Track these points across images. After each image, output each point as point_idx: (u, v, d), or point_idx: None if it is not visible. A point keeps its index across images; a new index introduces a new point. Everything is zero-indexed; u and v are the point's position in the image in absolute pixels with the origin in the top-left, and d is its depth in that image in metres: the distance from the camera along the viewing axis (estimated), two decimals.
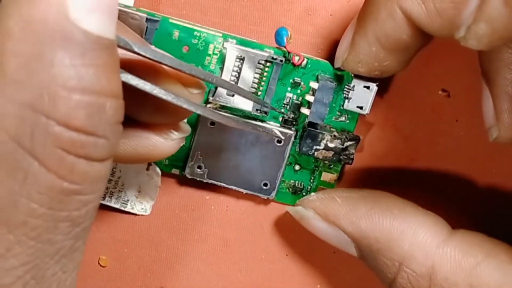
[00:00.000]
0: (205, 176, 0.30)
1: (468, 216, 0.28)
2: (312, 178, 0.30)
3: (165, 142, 0.24)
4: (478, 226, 0.26)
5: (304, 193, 0.31)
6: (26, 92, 0.16)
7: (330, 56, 0.29)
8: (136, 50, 0.19)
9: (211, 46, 0.29)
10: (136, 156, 0.24)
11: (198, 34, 0.28)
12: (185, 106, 0.21)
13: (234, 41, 0.28)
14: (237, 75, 0.28)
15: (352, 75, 0.28)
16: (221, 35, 0.28)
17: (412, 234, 0.25)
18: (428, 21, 0.23)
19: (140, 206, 0.31)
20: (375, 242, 0.26)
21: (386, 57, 0.25)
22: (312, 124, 0.29)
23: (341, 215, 0.26)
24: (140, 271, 0.31)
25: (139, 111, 0.23)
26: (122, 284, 0.31)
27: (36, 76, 0.16)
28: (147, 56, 0.20)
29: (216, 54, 0.29)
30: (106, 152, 0.17)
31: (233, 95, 0.28)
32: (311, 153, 0.29)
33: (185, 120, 0.26)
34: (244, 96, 0.27)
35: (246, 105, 0.28)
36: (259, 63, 0.28)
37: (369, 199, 0.27)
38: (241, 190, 0.30)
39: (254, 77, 0.29)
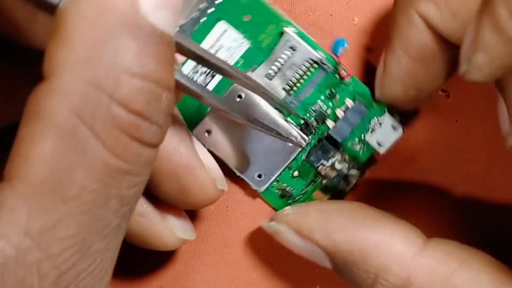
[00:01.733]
0: (207, 141, 0.29)
1: (468, 216, 0.28)
2: (305, 190, 0.30)
3: (172, 236, 0.25)
4: (478, 226, 0.26)
5: (290, 201, 0.30)
6: (93, 72, 0.17)
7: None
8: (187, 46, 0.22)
9: (271, 27, 0.29)
10: (139, 237, 0.26)
11: (265, 10, 0.29)
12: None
13: (294, 29, 0.29)
14: (282, 63, 0.29)
15: (386, 110, 0.28)
16: (285, 19, 0.29)
17: (387, 245, 0.25)
18: (443, 23, 0.24)
19: None
20: (350, 255, 0.25)
21: (417, 69, 0.26)
22: (330, 139, 0.29)
23: (315, 229, 0.26)
24: (140, 271, 0.31)
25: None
26: (122, 284, 0.31)
27: (103, 58, 0.17)
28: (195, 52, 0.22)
29: (271, 36, 0.29)
30: (156, 138, 0.19)
31: (270, 79, 0.29)
32: (316, 165, 0.29)
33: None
34: (270, 98, 0.27)
35: (277, 93, 0.29)
36: (307, 61, 0.29)
37: (343, 211, 0.27)
38: (235, 170, 0.30)
39: (297, 72, 0.29)
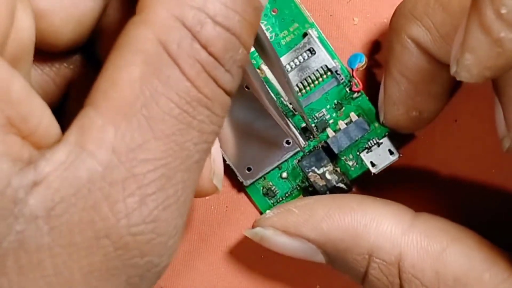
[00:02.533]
0: None
1: (468, 217, 0.28)
2: (289, 192, 0.30)
3: (210, 181, 0.24)
4: (479, 226, 0.26)
5: (272, 201, 0.30)
6: (182, 10, 0.18)
7: None
8: None
9: (295, 25, 0.29)
10: None
11: (293, 7, 0.29)
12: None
13: (317, 34, 0.29)
14: (297, 64, 0.29)
15: (387, 133, 0.29)
16: (311, 21, 0.29)
17: (375, 225, 0.25)
18: (435, 48, 0.25)
19: None
20: (341, 241, 0.25)
21: (416, 92, 0.26)
22: (327, 148, 0.29)
23: (301, 224, 0.26)
24: None
25: None
26: None
27: (194, 0, 0.18)
28: None
29: (294, 34, 0.29)
30: (229, 85, 0.19)
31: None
32: (307, 171, 0.29)
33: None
34: (287, 89, 0.27)
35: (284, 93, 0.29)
36: (322, 67, 0.29)
37: (325, 201, 0.27)
38: (225, 157, 0.30)
39: (309, 76, 0.29)
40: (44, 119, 0.19)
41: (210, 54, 0.18)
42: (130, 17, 0.19)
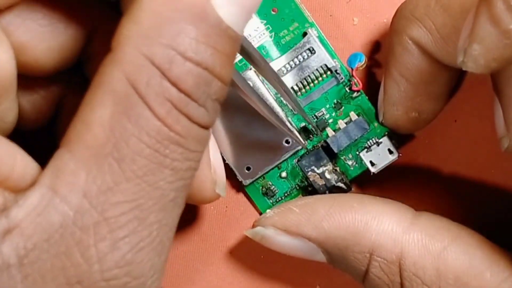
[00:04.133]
0: None
1: (467, 216, 0.27)
2: (288, 192, 0.30)
3: (212, 190, 0.25)
4: (479, 226, 0.26)
5: (271, 201, 0.30)
6: (151, 48, 0.18)
7: None
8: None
9: (295, 24, 0.29)
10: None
11: (293, 7, 0.29)
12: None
13: (317, 33, 0.29)
14: (297, 63, 0.29)
15: (386, 133, 0.29)
16: (310, 21, 0.29)
17: (376, 223, 0.25)
18: (436, 49, 0.25)
19: None
20: (342, 240, 0.25)
21: (416, 92, 0.26)
22: (326, 148, 0.29)
23: (302, 223, 0.26)
24: None
25: None
26: None
27: (163, 37, 0.18)
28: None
29: (294, 33, 0.29)
30: (204, 120, 0.19)
31: (282, 76, 0.29)
32: (306, 170, 0.29)
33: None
34: (285, 91, 0.27)
35: (288, 82, 0.29)
36: (321, 67, 0.29)
37: (325, 200, 0.27)
38: (224, 156, 0.29)
39: (309, 75, 0.29)
40: (16, 163, 0.19)
41: (181, 91, 0.18)
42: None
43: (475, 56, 0.19)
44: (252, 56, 0.24)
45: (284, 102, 0.29)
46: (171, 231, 0.20)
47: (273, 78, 0.26)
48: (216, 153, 0.25)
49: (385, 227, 0.25)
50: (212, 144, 0.25)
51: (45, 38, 0.21)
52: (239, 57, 0.28)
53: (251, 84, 0.28)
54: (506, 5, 0.18)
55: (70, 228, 0.18)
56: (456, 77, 0.27)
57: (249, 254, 0.31)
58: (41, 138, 0.25)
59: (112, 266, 0.18)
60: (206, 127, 0.20)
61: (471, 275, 0.24)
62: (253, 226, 0.28)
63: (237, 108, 0.29)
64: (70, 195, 0.18)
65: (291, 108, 0.29)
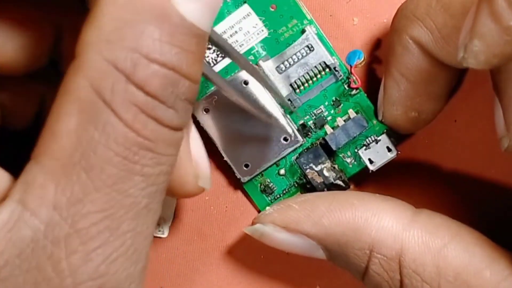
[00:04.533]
0: (203, 119, 0.29)
1: (467, 215, 0.27)
2: (287, 189, 0.30)
3: (195, 184, 0.24)
4: (478, 226, 0.25)
5: (270, 198, 0.30)
6: (114, 52, 0.17)
7: None
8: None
9: (294, 21, 0.29)
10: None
11: (292, 4, 0.29)
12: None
13: (316, 30, 0.29)
14: (295, 60, 0.29)
15: (385, 131, 0.29)
16: (309, 18, 0.29)
17: (376, 220, 0.25)
18: (436, 49, 0.25)
19: (157, 228, 0.31)
20: (342, 236, 0.25)
21: (416, 92, 0.26)
22: (325, 145, 0.29)
23: (301, 219, 0.26)
24: None
25: None
26: None
27: (125, 41, 0.17)
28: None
29: (292, 31, 0.29)
30: (174, 122, 0.19)
31: (280, 73, 0.29)
32: (304, 168, 0.29)
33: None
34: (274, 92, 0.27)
35: (282, 89, 0.29)
36: (320, 64, 0.29)
37: (325, 197, 0.27)
38: (223, 153, 0.29)
39: (307, 72, 0.29)
40: None
41: (147, 94, 0.18)
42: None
43: (476, 52, 0.19)
44: (224, 49, 0.24)
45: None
46: (147, 239, 0.19)
47: (248, 68, 0.26)
48: (197, 146, 0.25)
49: (385, 224, 0.25)
50: (194, 137, 0.25)
51: (13, 38, 0.21)
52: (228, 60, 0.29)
53: (249, 82, 0.28)
54: (507, 2, 0.18)
55: (41, 242, 0.17)
56: (456, 77, 0.27)
57: (249, 254, 0.31)
58: (29, 138, 0.25)
59: (85, 279, 0.18)
60: (177, 129, 0.19)
61: (471, 273, 0.24)
62: (253, 223, 0.28)
63: (235, 105, 0.29)
64: (40, 209, 0.17)
65: (283, 106, 0.29)
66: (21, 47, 0.22)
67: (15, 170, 0.19)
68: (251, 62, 0.27)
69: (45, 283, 0.18)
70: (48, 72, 0.23)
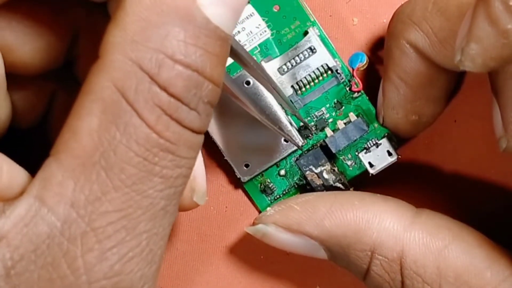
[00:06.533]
0: None
1: (467, 216, 0.27)
2: (286, 190, 0.30)
3: (190, 199, 0.24)
4: (478, 226, 0.25)
5: (269, 198, 0.30)
6: (139, 53, 0.18)
7: None
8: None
9: (297, 23, 0.29)
10: None
11: (295, 5, 0.29)
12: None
13: (318, 32, 0.29)
14: (298, 62, 0.29)
15: (386, 134, 0.29)
16: (312, 19, 0.29)
17: (378, 221, 0.25)
18: (434, 52, 0.25)
19: None
20: (344, 238, 0.25)
21: (415, 96, 0.26)
22: (325, 148, 0.29)
23: (303, 221, 0.26)
24: None
25: None
26: None
27: (151, 42, 0.18)
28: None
29: (295, 32, 0.29)
30: (196, 124, 0.19)
31: (282, 74, 0.29)
32: (304, 169, 0.29)
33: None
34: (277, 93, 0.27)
35: (284, 91, 0.29)
36: (322, 66, 0.29)
37: (326, 197, 0.27)
38: (223, 153, 0.29)
39: (309, 74, 0.29)
40: (2, 174, 0.19)
41: (171, 95, 0.18)
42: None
43: (473, 55, 0.19)
44: (240, 56, 0.24)
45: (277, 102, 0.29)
46: (163, 240, 0.20)
47: (263, 77, 0.26)
48: (197, 160, 0.24)
49: (386, 225, 0.25)
50: None
51: (31, 40, 0.21)
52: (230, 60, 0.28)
53: (251, 83, 0.28)
54: (504, 5, 0.18)
55: (57, 239, 0.18)
56: (455, 80, 0.27)
57: (249, 254, 0.31)
58: (35, 136, 0.25)
59: (99, 277, 0.18)
60: (198, 132, 0.19)
61: (472, 273, 0.24)
62: (254, 224, 0.28)
63: (236, 104, 0.29)
64: (58, 206, 0.18)
65: (283, 107, 0.29)
66: (39, 48, 0.22)
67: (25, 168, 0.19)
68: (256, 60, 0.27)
69: (60, 280, 0.18)
70: (59, 70, 0.23)
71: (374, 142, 0.29)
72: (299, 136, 0.29)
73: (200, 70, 0.18)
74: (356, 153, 0.29)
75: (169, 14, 0.18)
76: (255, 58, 0.28)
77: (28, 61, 0.22)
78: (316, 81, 0.29)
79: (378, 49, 0.30)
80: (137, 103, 0.18)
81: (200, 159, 0.24)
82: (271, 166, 0.30)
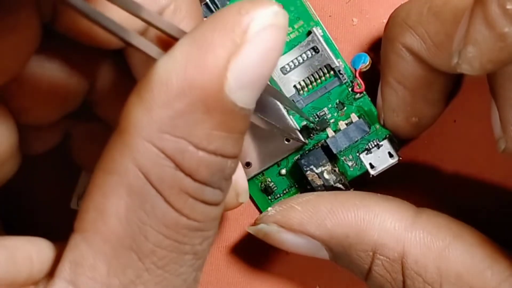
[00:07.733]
0: None
1: (467, 216, 0.27)
2: (287, 190, 0.30)
3: (235, 201, 0.25)
4: (478, 226, 0.26)
5: (270, 198, 0.30)
6: (163, 142, 0.18)
7: None
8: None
9: (300, 22, 0.29)
10: None
11: (299, 5, 0.28)
12: None
13: (322, 32, 0.29)
14: (300, 62, 0.29)
15: (387, 135, 0.29)
16: (315, 19, 0.29)
17: (379, 221, 0.25)
18: (429, 56, 0.25)
19: None
20: (345, 238, 0.25)
21: (414, 98, 0.26)
22: (326, 148, 0.29)
23: (305, 221, 0.26)
24: None
25: None
26: None
27: (177, 131, 0.17)
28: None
29: (298, 31, 0.29)
30: (220, 199, 0.19)
31: (285, 74, 0.29)
32: (305, 169, 0.29)
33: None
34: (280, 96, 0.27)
35: (287, 91, 0.29)
36: (325, 66, 0.29)
37: (327, 197, 0.27)
38: None
39: (312, 74, 0.29)
40: (33, 262, 0.19)
41: (196, 181, 0.18)
42: (120, 91, 0.20)
43: (470, 58, 0.19)
44: None
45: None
46: None
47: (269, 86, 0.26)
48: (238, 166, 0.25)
49: (388, 225, 0.25)
50: None
51: (47, 99, 0.22)
52: None
53: None
54: (501, 9, 0.18)
55: None
56: (453, 82, 0.27)
57: (249, 254, 0.31)
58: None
59: None
60: (221, 203, 0.19)
61: (472, 273, 0.24)
62: (255, 224, 0.28)
63: None
64: None
65: (286, 107, 0.29)
66: (56, 101, 0.22)
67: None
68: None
69: None
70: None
71: (375, 143, 0.29)
72: (301, 137, 0.29)
73: (224, 154, 0.18)
74: (357, 154, 0.29)
75: (196, 104, 0.17)
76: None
77: (45, 119, 0.22)
78: (319, 81, 0.29)
79: (378, 50, 0.30)
80: (163, 189, 0.18)
81: (239, 165, 0.24)
82: (272, 166, 0.30)
